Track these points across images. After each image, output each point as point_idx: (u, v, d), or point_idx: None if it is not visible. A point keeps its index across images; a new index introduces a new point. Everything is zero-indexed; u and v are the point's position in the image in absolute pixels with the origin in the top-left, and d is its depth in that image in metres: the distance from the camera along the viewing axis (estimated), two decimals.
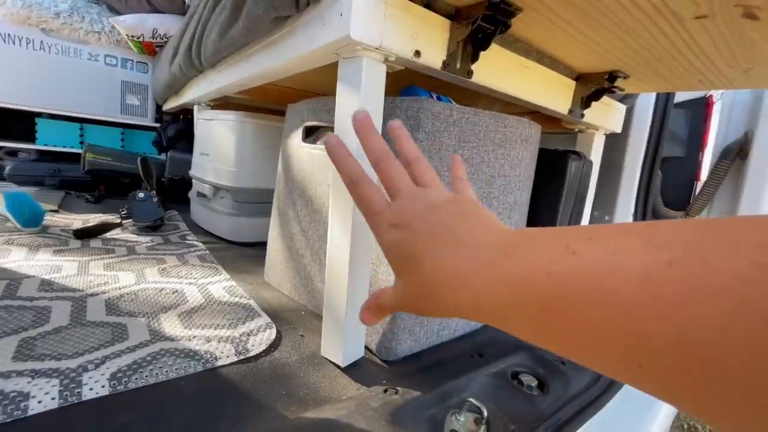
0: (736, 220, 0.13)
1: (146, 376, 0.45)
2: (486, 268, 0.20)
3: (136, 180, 1.32)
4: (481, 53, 0.53)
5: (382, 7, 0.44)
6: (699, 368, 0.12)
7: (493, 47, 0.57)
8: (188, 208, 1.37)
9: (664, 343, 0.12)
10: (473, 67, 0.55)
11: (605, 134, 0.91)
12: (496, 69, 0.59)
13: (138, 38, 1.66)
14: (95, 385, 0.42)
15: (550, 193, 0.82)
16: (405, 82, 0.70)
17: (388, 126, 0.33)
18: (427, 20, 0.49)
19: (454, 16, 0.51)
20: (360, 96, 0.46)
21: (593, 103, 0.77)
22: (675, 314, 0.12)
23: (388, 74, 0.50)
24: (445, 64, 0.52)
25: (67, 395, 0.40)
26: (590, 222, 0.99)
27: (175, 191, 1.54)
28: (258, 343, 0.54)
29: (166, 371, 0.46)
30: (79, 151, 1.68)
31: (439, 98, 0.63)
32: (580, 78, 0.75)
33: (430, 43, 0.50)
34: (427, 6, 0.49)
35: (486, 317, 0.20)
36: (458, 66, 0.53)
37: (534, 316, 0.17)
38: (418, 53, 0.49)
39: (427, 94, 0.62)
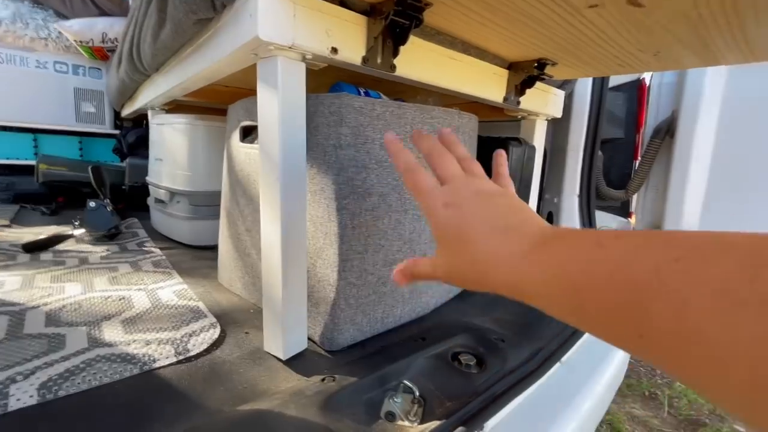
0: (734, 233, 0.16)
1: (78, 383, 0.45)
2: (529, 253, 0.24)
3: None
4: (402, 47, 0.55)
5: (291, 7, 0.45)
6: (690, 345, 0.14)
7: (416, 41, 0.59)
8: (149, 215, 1.35)
9: (663, 320, 0.15)
10: (396, 61, 0.56)
11: (546, 120, 0.94)
12: (421, 62, 0.61)
13: (87, 43, 1.61)
14: (23, 396, 0.42)
15: None
16: (342, 78, 0.71)
17: (438, 133, 0.39)
18: (341, 17, 0.50)
19: (370, 12, 0.52)
20: (278, 94, 0.47)
21: (528, 90, 0.80)
22: (673, 297, 0.15)
23: (311, 71, 0.51)
24: (365, 60, 0.53)
25: None
26: (540, 203, 1.03)
27: (137, 198, 1.51)
28: (199, 343, 0.55)
29: (100, 377, 0.46)
30: (34, 162, 1.63)
31: (367, 93, 0.64)
32: (511, 66, 0.77)
33: (346, 39, 0.51)
34: (342, 3, 0.50)
35: (521, 295, 0.24)
36: (379, 61, 0.55)
37: (564, 296, 0.21)
38: (335, 50, 0.50)
39: (353, 89, 0.63)
